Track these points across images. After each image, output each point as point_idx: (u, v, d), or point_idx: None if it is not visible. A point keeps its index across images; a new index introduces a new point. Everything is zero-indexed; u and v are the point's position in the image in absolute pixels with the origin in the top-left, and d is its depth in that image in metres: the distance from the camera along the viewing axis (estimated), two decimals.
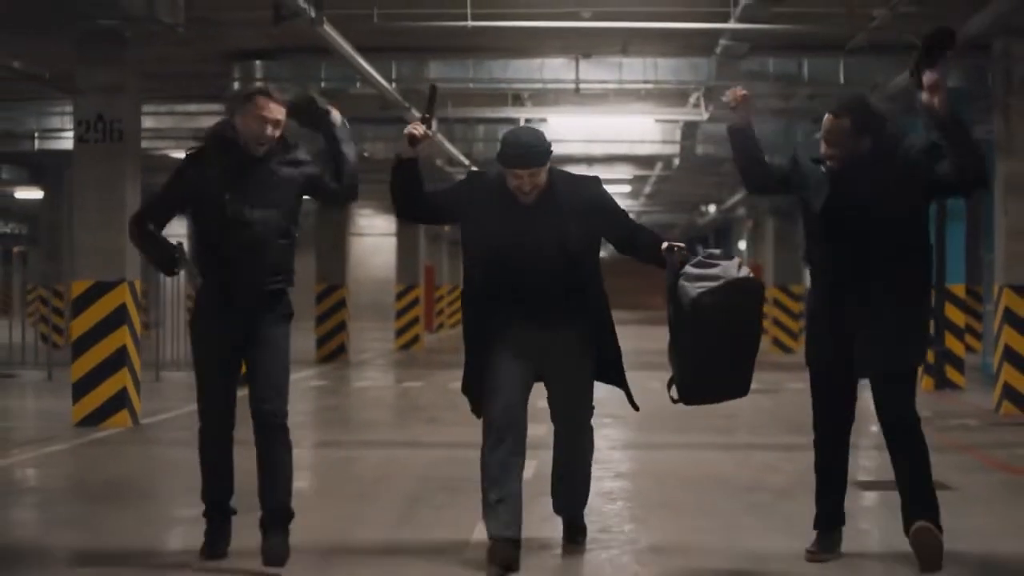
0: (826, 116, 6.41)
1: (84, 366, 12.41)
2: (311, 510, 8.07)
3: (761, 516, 7.83)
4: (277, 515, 6.48)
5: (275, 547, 6.40)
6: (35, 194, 30.62)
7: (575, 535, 6.88)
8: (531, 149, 6.35)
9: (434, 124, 6.30)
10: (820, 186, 6.44)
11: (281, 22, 11.08)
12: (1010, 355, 13.98)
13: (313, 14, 11.19)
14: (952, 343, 16.98)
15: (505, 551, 6.24)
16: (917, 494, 6.33)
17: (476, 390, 6.56)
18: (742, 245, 39.36)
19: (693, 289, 6.20)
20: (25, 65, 15.49)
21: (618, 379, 6.67)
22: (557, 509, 6.89)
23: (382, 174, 25.84)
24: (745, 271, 6.30)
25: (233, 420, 6.55)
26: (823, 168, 6.45)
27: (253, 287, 6.40)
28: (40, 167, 27.66)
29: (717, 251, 6.39)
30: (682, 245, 6.41)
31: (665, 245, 6.44)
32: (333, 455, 11.01)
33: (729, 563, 6.54)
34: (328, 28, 11.68)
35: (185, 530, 7.35)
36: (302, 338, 25.57)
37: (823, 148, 6.42)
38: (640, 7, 12.85)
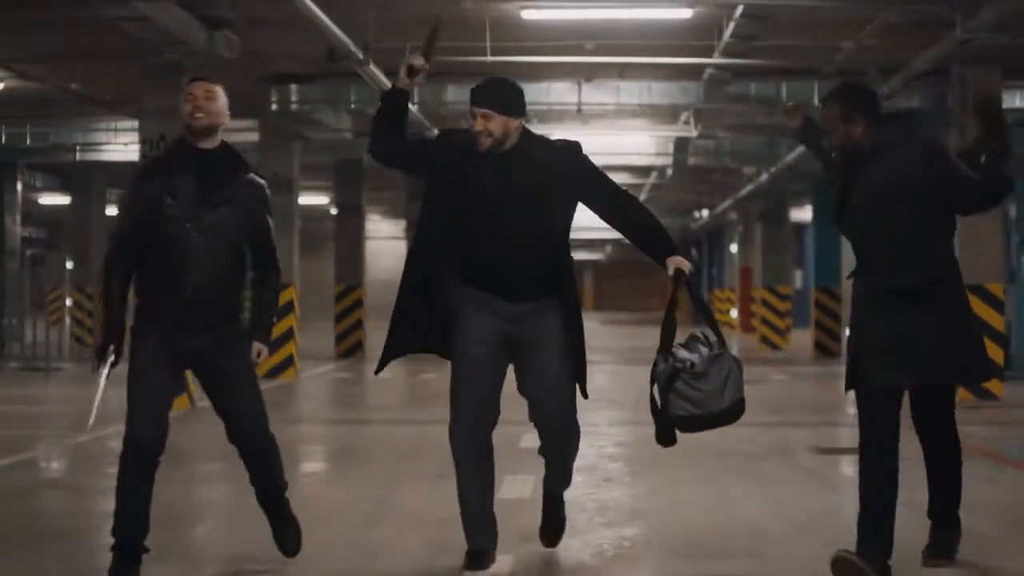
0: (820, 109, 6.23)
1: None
2: (361, 467, 9.79)
3: (736, 472, 9.51)
4: (277, 502, 6.34)
5: (290, 537, 6.36)
6: (59, 200, 32.19)
7: (554, 525, 6.50)
8: (487, 89, 6.05)
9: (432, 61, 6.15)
10: (846, 180, 6.14)
11: (334, 63, 12.78)
12: None
13: (361, 56, 12.93)
14: None
15: (478, 561, 6.18)
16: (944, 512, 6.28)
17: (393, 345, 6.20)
18: (733, 248, 40.82)
19: (673, 406, 6.00)
20: (83, 87, 17.22)
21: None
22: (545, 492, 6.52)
23: (393, 180, 27.42)
24: (728, 397, 5.99)
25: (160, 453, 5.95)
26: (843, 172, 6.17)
27: (202, 303, 5.89)
28: (69, 175, 29.24)
29: (708, 341, 6.07)
30: (687, 271, 6.09)
31: (672, 270, 6.09)
32: (370, 430, 12.71)
33: (708, 503, 8.18)
34: (372, 67, 13.43)
35: (231, 468, 9.05)
36: (322, 335, 27.31)
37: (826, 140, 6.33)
38: (635, 40, 14.55)
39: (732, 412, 6.02)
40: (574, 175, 6.12)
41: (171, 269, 5.84)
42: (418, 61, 6.04)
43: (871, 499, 5.96)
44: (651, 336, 6.36)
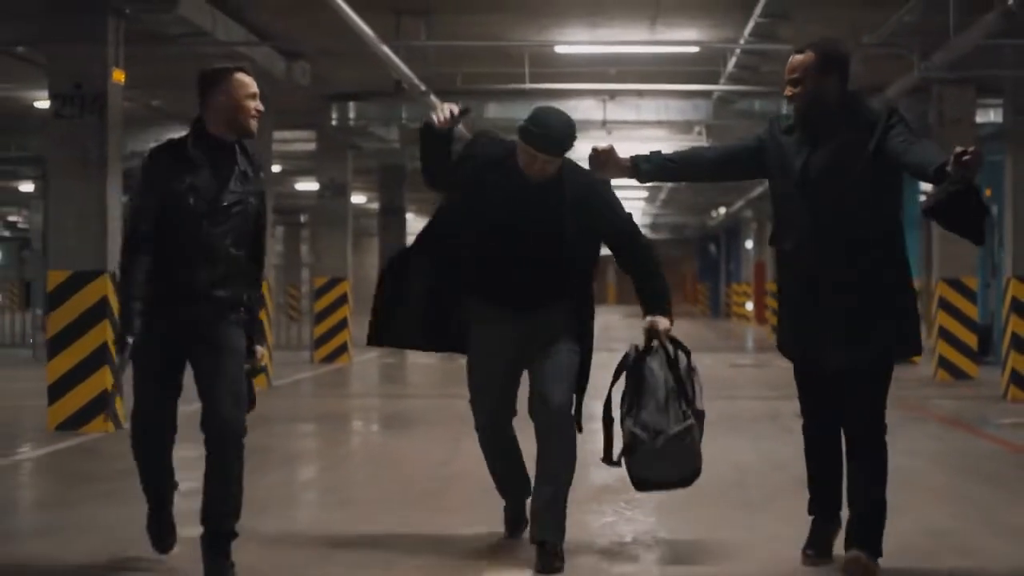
0: (791, 57, 5.86)
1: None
2: (427, 428, 11.98)
3: (732, 430, 11.67)
4: (219, 537, 5.82)
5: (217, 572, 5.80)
6: None
7: (550, 562, 6.05)
8: (558, 136, 5.90)
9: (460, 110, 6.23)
10: (800, 150, 5.82)
11: (400, 92, 15.03)
12: (944, 333, 17.82)
13: (423, 88, 15.19)
14: None
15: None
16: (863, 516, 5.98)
17: (382, 319, 6.39)
18: (749, 244, 42.68)
19: (628, 432, 6.07)
20: (163, 104, 19.52)
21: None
22: (532, 534, 6.19)
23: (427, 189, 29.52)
24: (680, 426, 6.02)
25: (173, 433, 6.08)
26: (795, 135, 5.85)
27: (214, 296, 5.82)
28: (128, 176, 31.42)
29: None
30: (662, 331, 6.09)
31: (648, 325, 6.13)
32: (428, 402, 14.91)
33: (707, 450, 10.09)
34: (433, 97, 15.73)
35: (304, 428, 11.26)
36: (362, 327, 29.40)
37: (786, 90, 5.87)
38: (653, 67, 16.77)
39: (683, 482, 6.23)
40: (599, 206, 6.14)
41: (186, 262, 5.77)
42: (444, 114, 6.15)
43: (813, 478, 6.23)
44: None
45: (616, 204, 6.22)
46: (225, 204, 5.81)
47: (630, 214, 6.31)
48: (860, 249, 5.73)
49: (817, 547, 6.18)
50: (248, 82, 5.90)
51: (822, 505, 6.20)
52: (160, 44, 13.40)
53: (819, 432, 6.15)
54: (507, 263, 6.09)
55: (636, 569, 6.34)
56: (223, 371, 5.77)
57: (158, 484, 6.15)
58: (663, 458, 6.02)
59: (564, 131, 5.95)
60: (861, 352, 5.78)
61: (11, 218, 50.22)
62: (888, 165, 5.72)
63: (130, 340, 5.67)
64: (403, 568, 6.28)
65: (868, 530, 5.91)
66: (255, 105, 5.89)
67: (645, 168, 6.09)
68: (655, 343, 6.11)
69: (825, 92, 5.75)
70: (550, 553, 6.06)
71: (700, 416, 6.11)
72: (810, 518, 6.26)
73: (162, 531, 6.23)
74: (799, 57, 5.80)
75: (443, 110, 6.16)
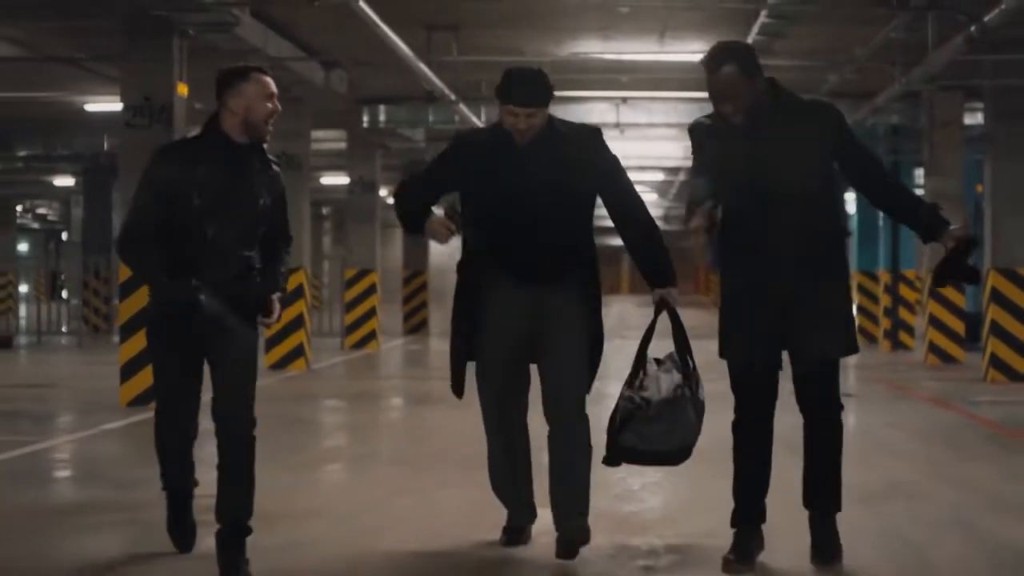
0: (708, 76, 5.70)
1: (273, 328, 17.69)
2: (458, 404, 13.26)
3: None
4: (234, 532, 5.76)
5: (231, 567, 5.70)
6: None
7: (570, 548, 6.09)
8: (535, 86, 5.84)
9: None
10: (734, 144, 5.74)
11: (433, 102, 16.35)
12: (934, 321, 19.09)
13: (454, 97, 16.54)
14: (905, 315, 22.18)
15: (514, 537, 6.41)
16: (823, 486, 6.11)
17: (460, 366, 6.24)
18: None
19: (624, 439, 6.01)
20: (205, 106, 20.85)
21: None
22: (556, 522, 6.17)
23: None
24: (675, 443, 6.02)
25: (196, 425, 6.08)
26: (726, 125, 5.75)
27: (220, 294, 5.70)
28: None
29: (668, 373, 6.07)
30: (672, 303, 6.09)
31: (658, 298, 6.11)
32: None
33: (710, 422, 11.62)
34: (462, 106, 17.09)
35: (347, 404, 12.60)
36: (390, 315, 30.80)
37: (720, 109, 5.76)
38: (663, 75, 18.05)
39: (675, 456, 6.10)
40: (597, 163, 6.00)
41: (192, 260, 5.66)
42: (445, 235, 6.09)
43: (744, 471, 6.21)
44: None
45: (611, 155, 6.09)
46: (234, 204, 5.66)
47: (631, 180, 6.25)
48: (805, 250, 5.79)
49: (740, 554, 6.04)
50: (266, 82, 5.70)
51: (748, 512, 6.11)
52: (216, 59, 14.70)
53: (753, 424, 6.18)
54: (520, 235, 5.95)
55: (642, 507, 7.69)
56: (234, 367, 5.74)
57: (181, 483, 6.15)
58: (657, 422, 5.96)
59: (539, 80, 5.92)
60: (801, 353, 5.93)
61: (39, 211, 51.65)
62: (841, 172, 5.87)
63: (194, 282, 5.63)
64: (451, 513, 7.57)
65: (830, 493, 6.14)
66: (272, 107, 5.70)
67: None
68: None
69: (760, 94, 5.69)
70: (577, 528, 6.13)
71: (699, 405, 6.12)
72: (733, 530, 6.15)
73: (186, 532, 6.18)
74: (718, 75, 5.67)
75: (441, 232, 6.10)
